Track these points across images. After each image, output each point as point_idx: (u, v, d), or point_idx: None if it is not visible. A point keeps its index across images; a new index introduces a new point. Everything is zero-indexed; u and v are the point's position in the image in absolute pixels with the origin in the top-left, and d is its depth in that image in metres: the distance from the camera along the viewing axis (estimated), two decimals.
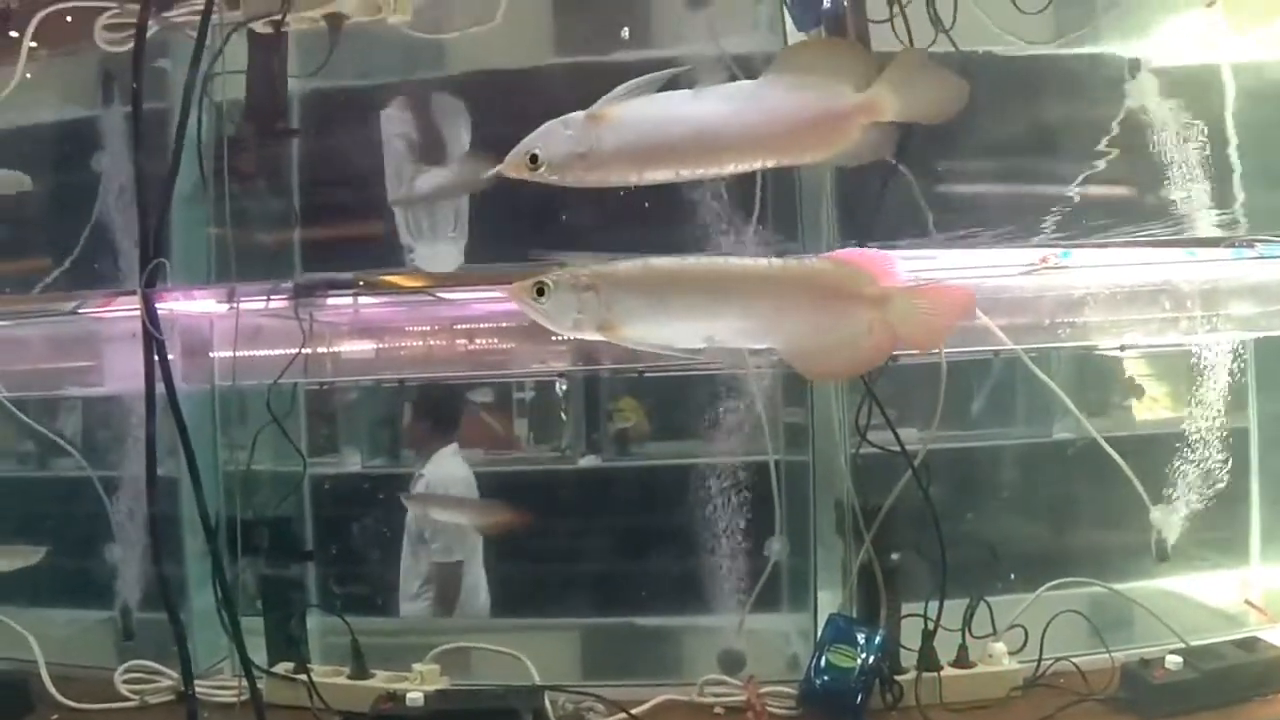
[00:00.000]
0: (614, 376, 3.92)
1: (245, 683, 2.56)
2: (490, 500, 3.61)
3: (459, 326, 3.18)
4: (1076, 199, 3.05)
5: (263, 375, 2.97)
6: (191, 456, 2.48)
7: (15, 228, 3.29)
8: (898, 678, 2.74)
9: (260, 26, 2.90)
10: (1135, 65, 3.14)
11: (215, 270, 2.98)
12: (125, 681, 2.92)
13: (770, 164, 2.11)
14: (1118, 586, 3.05)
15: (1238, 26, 3.07)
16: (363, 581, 3.60)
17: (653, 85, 2.04)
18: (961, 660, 2.80)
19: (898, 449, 2.76)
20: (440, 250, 3.24)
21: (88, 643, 3.29)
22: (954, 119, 2.07)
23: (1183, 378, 3.23)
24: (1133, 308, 2.98)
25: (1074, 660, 2.82)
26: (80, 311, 3.10)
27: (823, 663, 2.70)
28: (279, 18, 2.83)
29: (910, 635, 2.80)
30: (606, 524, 3.62)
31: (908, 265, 2.13)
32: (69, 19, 2.96)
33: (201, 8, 2.60)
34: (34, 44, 2.96)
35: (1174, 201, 3.07)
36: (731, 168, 2.10)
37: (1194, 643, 2.78)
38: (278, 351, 2.99)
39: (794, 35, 2.83)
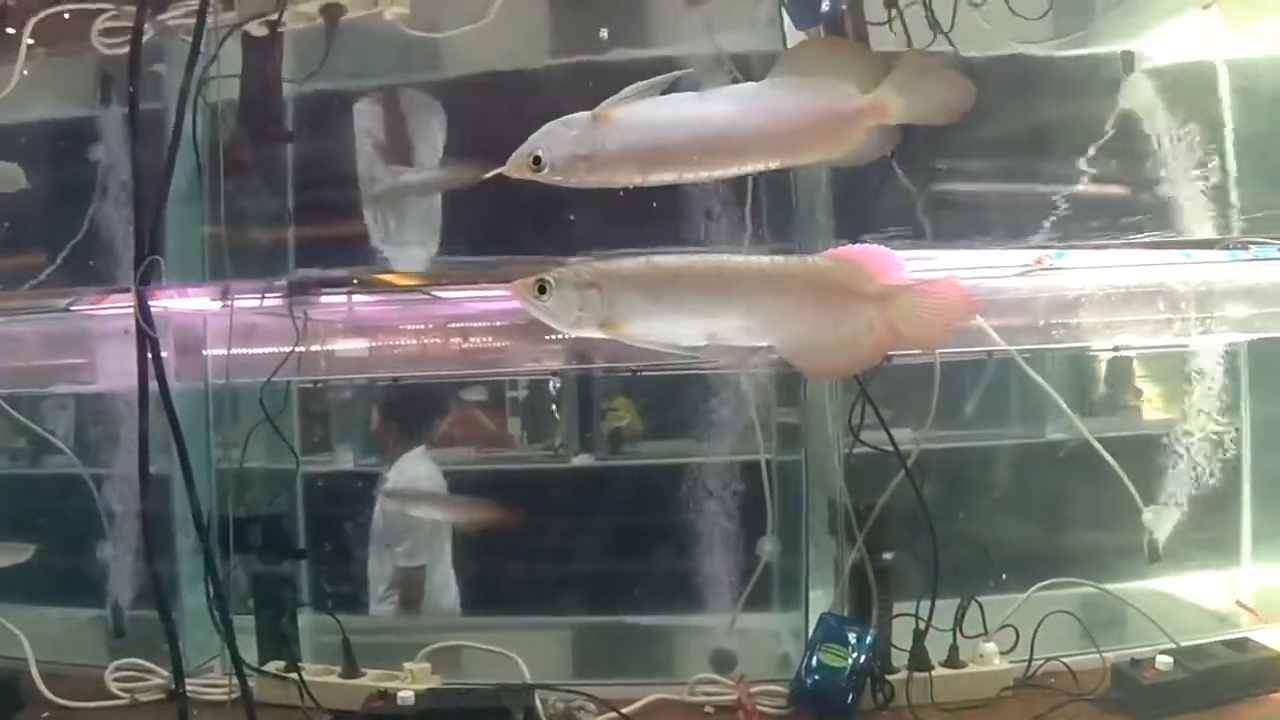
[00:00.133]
0: (607, 375, 3.92)
1: (236, 681, 2.56)
2: (472, 497, 3.61)
3: (453, 325, 3.18)
4: (1071, 200, 3.05)
5: (256, 373, 2.97)
6: (184, 454, 2.48)
7: (10, 224, 3.28)
8: (889, 677, 2.75)
9: (256, 29, 2.91)
10: (1130, 67, 3.14)
11: (209, 268, 2.98)
12: (116, 680, 2.92)
13: (775, 165, 2.10)
14: (1109, 587, 3.04)
15: (1233, 25, 3.07)
16: (354, 580, 3.60)
17: (657, 88, 2.04)
18: (953, 660, 2.80)
19: (891, 449, 2.76)
20: (408, 253, 3.24)
21: (79, 641, 3.29)
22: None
23: (1176, 379, 3.23)
24: (1127, 309, 2.98)
25: (1065, 660, 2.82)
26: (74, 308, 3.09)
27: (814, 662, 2.70)
28: (275, 18, 2.84)
29: (902, 635, 2.80)
30: (599, 523, 3.61)
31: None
32: (66, 17, 2.97)
33: (196, 9, 2.60)
34: (31, 41, 2.96)
35: (1169, 202, 3.07)
36: (736, 169, 2.10)
37: (1185, 643, 2.77)
38: (271, 349, 2.98)
39: (792, 34, 2.82)
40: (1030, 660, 2.81)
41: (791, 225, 2.95)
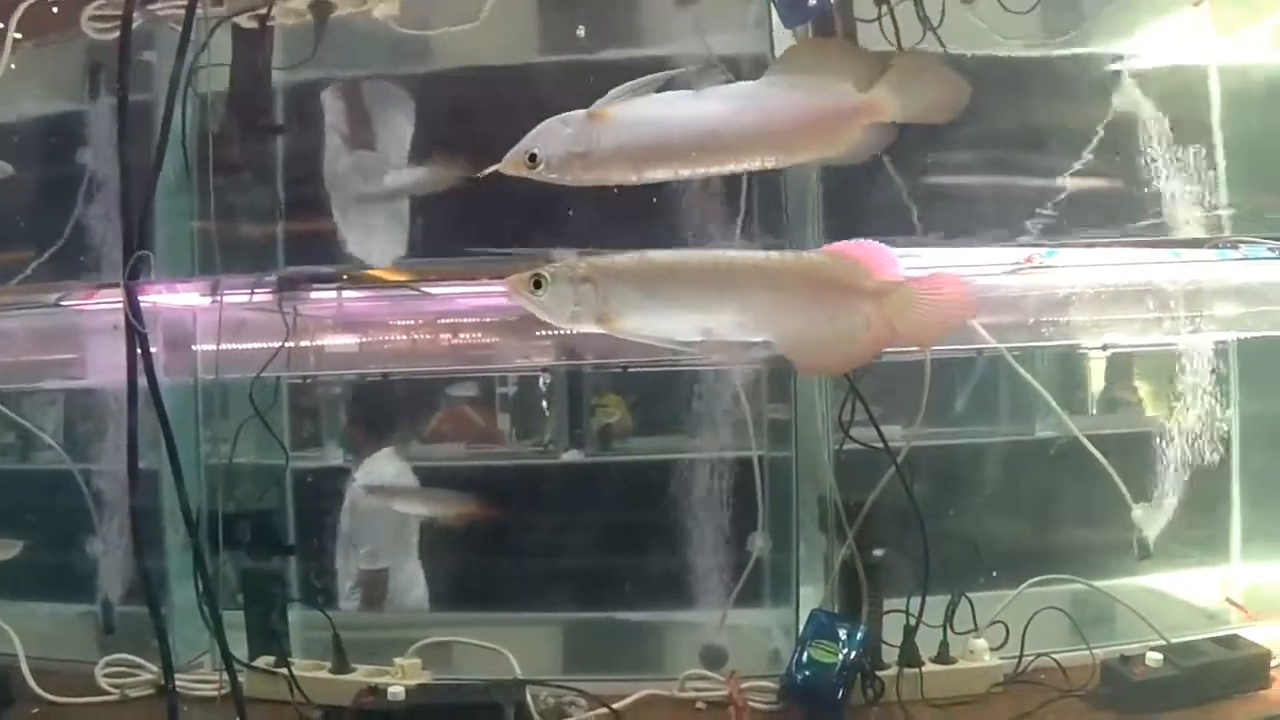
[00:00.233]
0: (597, 372, 3.91)
1: (226, 677, 2.55)
2: (454, 492, 3.61)
3: (443, 321, 3.18)
4: (1061, 198, 3.06)
5: (245, 368, 2.96)
6: (173, 450, 2.47)
7: None
8: (879, 673, 2.75)
9: (245, 21, 2.91)
10: (1121, 66, 3.15)
11: (199, 263, 2.97)
12: (106, 675, 2.92)
13: (770, 164, 2.08)
14: (1099, 584, 3.06)
15: (1224, 28, 3.08)
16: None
17: (652, 85, 2.03)
18: (943, 656, 2.81)
19: (881, 445, 2.77)
20: (376, 248, 3.24)
21: (69, 636, 3.28)
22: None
23: (1166, 377, 3.24)
24: (1117, 307, 2.99)
25: (1055, 656, 2.84)
26: (62, 304, 3.08)
27: (804, 658, 2.70)
28: (263, 13, 2.83)
29: (892, 631, 2.80)
30: (589, 519, 3.61)
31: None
32: (54, 9, 2.96)
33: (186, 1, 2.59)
34: (19, 35, 2.95)
35: (1158, 201, 3.08)
36: (732, 168, 2.08)
37: (1174, 640, 2.80)
38: (261, 345, 2.98)
39: (780, 33, 2.82)
40: (1020, 656, 2.82)
41: (782, 222, 2.95)
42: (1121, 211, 3.09)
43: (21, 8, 2.95)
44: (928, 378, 2.73)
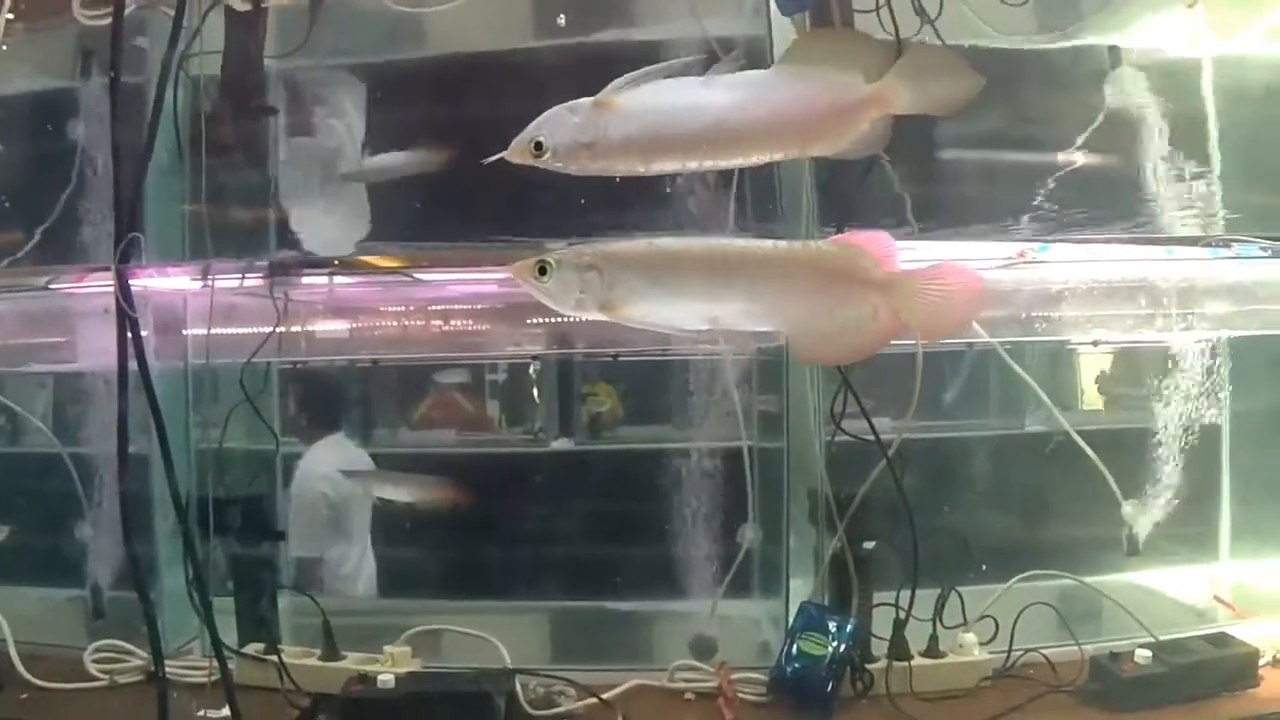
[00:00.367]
0: (588, 360, 3.91)
1: (216, 663, 2.54)
2: (430, 477, 3.60)
3: (434, 308, 3.17)
4: (1054, 192, 3.06)
5: (236, 353, 2.95)
6: (163, 435, 2.45)
7: None
8: (868, 666, 2.75)
9: (238, 4, 2.89)
10: (1116, 61, 3.15)
11: (190, 247, 2.96)
12: (95, 661, 2.90)
13: (779, 156, 2.07)
14: (1088, 579, 3.06)
15: (1222, 31, 3.09)
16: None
17: (661, 74, 2.01)
18: (932, 650, 2.81)
19: (872, 438, 2.77)
20: (330, 239, 3.23)
21: (57, 621, 3.27)
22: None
23: (1157, 374, 3.24)
24: (1109, 304, 2.99)
25: (1044, 652, 2.84)
26: (52, 287, 3.07)
27: (794, 650, 2.71)
28: None
29: (881, 624, 2.80)
30: (579, 508, 3.61)
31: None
32: None
33: None
34: (10, 16, 2.93)
35: (1151, 198, 3.08)
36: (740, 159, 2.05)
37: (1163, 637, 2.80)
38: (251, 330, 2.97)
39: (779, 19, 2.80)
40: (1009, 651, 2.82)
41: (776, 212, 2.94)
42: (1114, 207, 3.08)
43: None
44: (919, 371, 2.73)
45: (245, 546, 3.00)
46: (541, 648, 3.38)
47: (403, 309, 3.20)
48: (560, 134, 1.97)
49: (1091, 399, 3.70)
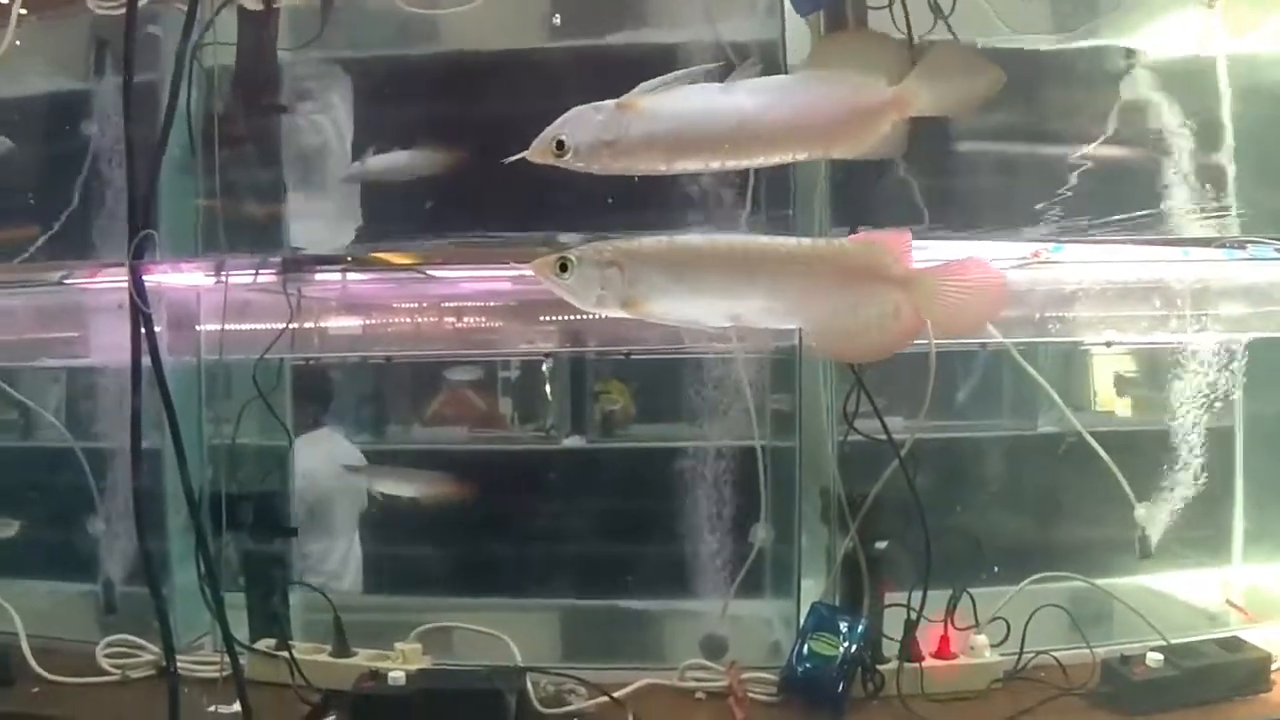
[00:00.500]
0: (600, 358, 3.91)
1: (227, 658, 2.55)
2: (432, 472, 3.60)
3: (447, 305, 3.17)
4: (1069, 192, 3.05)
5: (249, 349, 2.96)
6: (176, 430, 2.46)
7: (1, 196, 3.26)
8: (879, 667, 2.75)
9: (251, 3, 2.90)
10: (1131, 61, 3.14)
11: (203, 242, 2.96)
12: (107, 655, 2.91)
13: (801, 157, 2.06)
14: (1100, 582, 3.05)
15: (1236, 30, 3.07)
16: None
17: (681, 81, 2.01)
18: (943, 651, 2.81)
19: (885, 437, 2.76)
20: (321, 235, 3.22)
21: (70, 616, 3.28)
22: None
23: (1171, 376, 3.23)
24: (1123, 304, 2.98)
25: (1055, 654, 2.83)
26: (66, 282, 3.08)
27: (805, 650, 2.71)
28: None
29: (893, 625, 2.80)
30: (590, 506, 3.61)
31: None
32: None
33: None
34: (24, 11, 2.94)
35: (1167, 199, 3.07)
36: (761, 160, 2.04)
37: (1175, 640, 2.79)
38: (265, 326, 2.97)
39: (793, 21, 2.80)
40: (1020, 653, 2.81)
41: (790, 209, 2.93)
42: (1129, 208, 3.07)
43: None
44: (932, 370, 2.72)
45: (257, 542, 3.00)
46: (552, 646, 3.39)
47: (416, 306, 3.20)
48: (582, 133, 1.96)
49: (1105, 400, 3.69)
